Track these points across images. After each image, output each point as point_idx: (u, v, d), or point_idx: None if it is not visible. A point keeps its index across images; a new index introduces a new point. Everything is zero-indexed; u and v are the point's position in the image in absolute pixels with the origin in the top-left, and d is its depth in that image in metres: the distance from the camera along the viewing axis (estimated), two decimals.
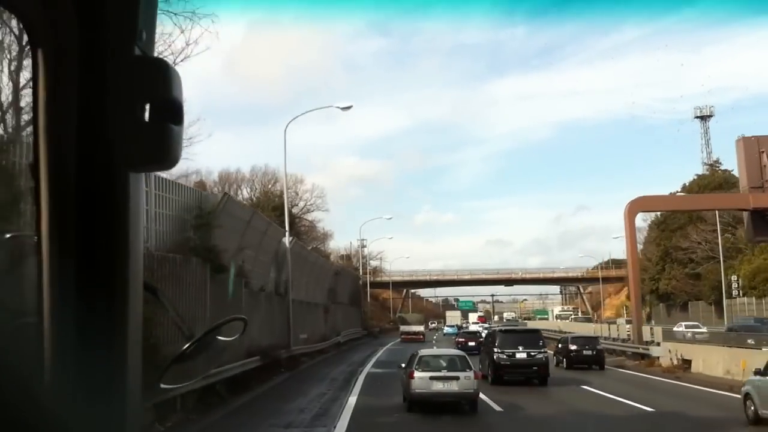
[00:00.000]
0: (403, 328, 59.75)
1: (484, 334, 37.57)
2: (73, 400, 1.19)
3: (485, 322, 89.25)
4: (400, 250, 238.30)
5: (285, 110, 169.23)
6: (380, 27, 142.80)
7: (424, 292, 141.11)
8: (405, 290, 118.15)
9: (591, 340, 34.56)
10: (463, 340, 43.82)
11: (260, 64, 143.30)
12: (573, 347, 33.50)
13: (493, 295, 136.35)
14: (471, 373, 18.44)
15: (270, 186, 62.99)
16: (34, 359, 1.20)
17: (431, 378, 18.21)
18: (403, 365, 20.21)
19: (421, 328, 61.93)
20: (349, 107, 37.17)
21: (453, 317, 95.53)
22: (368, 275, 79.83)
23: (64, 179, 1.20)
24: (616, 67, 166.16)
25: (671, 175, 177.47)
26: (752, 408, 16.75)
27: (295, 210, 67.28)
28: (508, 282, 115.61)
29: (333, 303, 49.20)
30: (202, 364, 1.64)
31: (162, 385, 1.55)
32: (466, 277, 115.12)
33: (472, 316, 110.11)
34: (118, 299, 1.23)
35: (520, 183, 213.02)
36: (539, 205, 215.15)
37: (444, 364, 18.81)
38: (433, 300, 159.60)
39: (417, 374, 18.37)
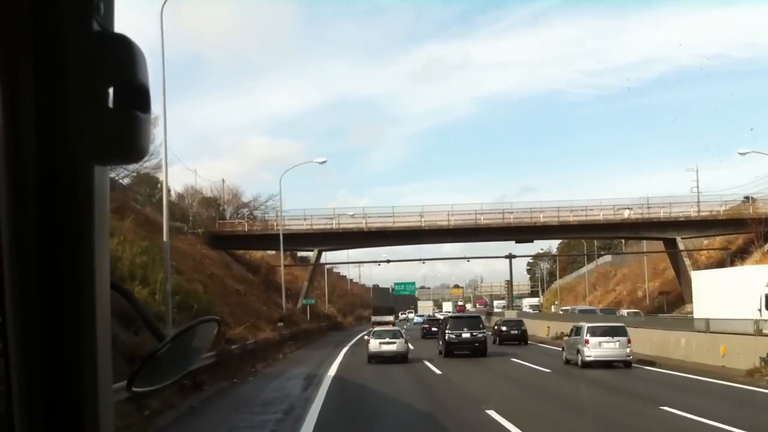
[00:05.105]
0: (375, 318, 67.88)
1: None
2: (41, 402, 1.17)
3: (464, 312, 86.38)
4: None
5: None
6: None
7: (348, 268, 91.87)
8: (317, 253, 63.08)
9: (517, 323, 46.48)
10: (428, 326, 55.65)
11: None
12: (504, 328, 45.51)
13: (510, 256, 73.26)
14: (403, 340, 30.56)
15: None
16: None
17: (380, 343, 30.31)
18: (366, 336, 32.29)
19: (390, 318, 69.29)
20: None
21: (425, 307, 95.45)
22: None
23: (23, 173, 1.13)
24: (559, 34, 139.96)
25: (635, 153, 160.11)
26: (564, 354, 29.03)
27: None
28: (528, 233, 60.09)
29: None
30: (174, 367, 1.62)
31: (134, 389, 1.51)
32: (442, 223, 59.43)
33: (447, 305, 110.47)
34: (84, 299, 1.19)
35: (446, 164, 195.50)
36: (472, 187, 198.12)
37: (388, 334, 30.94)
38: (358, 279, 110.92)
39: (372, 341, 30.50)
